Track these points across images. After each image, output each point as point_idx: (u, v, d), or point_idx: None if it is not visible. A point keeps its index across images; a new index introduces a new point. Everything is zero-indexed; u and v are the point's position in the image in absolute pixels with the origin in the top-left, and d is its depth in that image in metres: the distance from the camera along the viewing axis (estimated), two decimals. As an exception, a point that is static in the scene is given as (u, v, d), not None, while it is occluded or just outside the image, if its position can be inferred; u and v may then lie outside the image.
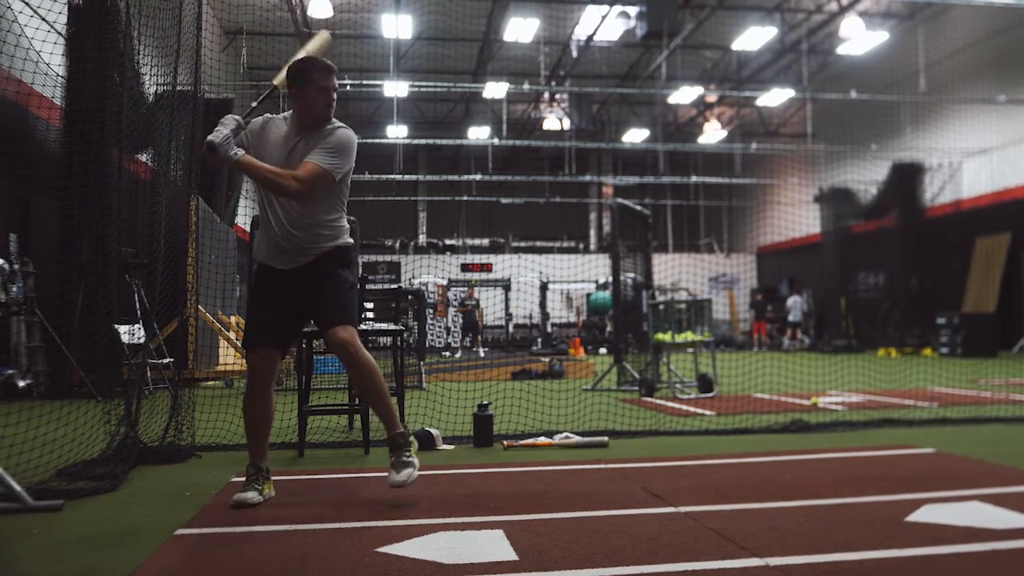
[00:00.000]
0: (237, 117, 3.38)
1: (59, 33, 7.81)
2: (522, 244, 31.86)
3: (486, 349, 22.15)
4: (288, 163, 3.43)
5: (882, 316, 19.73)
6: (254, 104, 3.53)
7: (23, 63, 6.37)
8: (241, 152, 3.30)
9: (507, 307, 24.09)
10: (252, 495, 3.35)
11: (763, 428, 5.63)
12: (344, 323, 3.45)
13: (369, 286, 3.58)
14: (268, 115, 3.60)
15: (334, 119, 3.53)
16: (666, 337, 8.67)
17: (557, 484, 3.79)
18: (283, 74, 3.55)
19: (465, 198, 29.22)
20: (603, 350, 21.46)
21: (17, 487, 3.25)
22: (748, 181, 29.73)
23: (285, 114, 3.59)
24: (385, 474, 3.41)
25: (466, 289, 22.82)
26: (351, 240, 3.66)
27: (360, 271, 3.64)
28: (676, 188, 31.29)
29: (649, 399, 8.10)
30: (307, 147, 3.44)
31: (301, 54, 3.66)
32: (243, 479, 3.51)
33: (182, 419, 4.84)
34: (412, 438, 3.53)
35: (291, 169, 3.39)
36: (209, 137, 3.23)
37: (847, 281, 21.68)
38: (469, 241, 31.86)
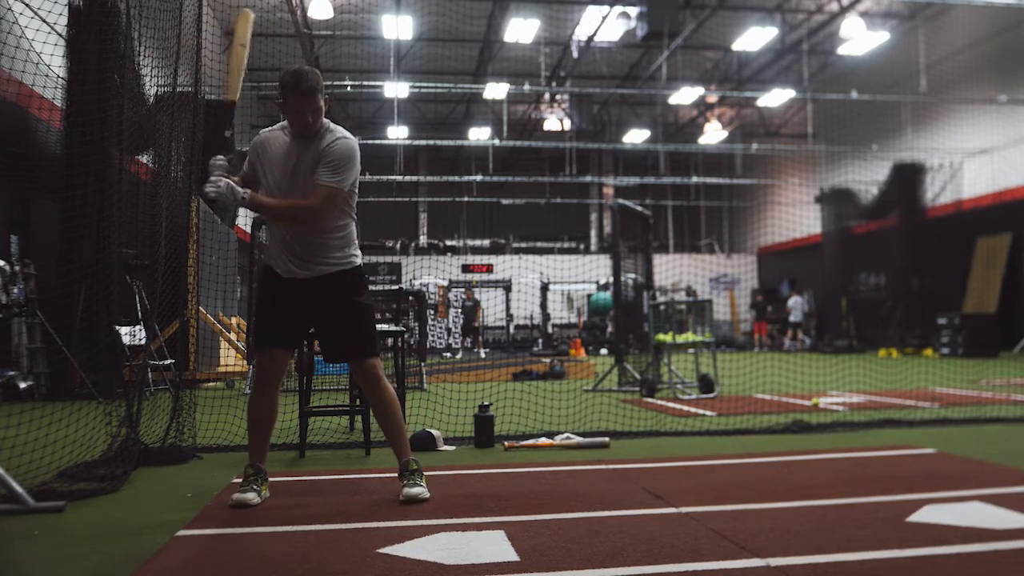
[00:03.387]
0: (221, 158, 3.34)
1: (59, 35, 7.82)
2: (523, 245, 31.86)
3: (487, 350, 22.14)
4: (293, 176, 3.44)
5: (883, 316, 19.73)
6: (227, 134, 3.51)
7: (24, 65, 6.38)
8: (247, 192, 3.30)
9: (508, 308, 24.08)
10: (251, 495, 3.35)
11: (764, 429, 5.63)
12: (373, 355, 3.56)
13: (370, 287, 3.64)
14: (268, 129, 3.59)
15: (333, 125, 3.51)
16: (667, 338, 8.67)
17: (558, 485, 3.79)
18: (235, 84, 3.54)
19: (466, 199, 29.23)
20: (604, 351, 21.45)
21: (18, 488, 3.25)
22: (749, 182, 29.72)
23: (284, 123, 3.55)
24: (386, 475, 3.42)
25: (465, 290, 22.81)
26: (359, 257, 3.64)
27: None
28: (677, 189, 31.29)
29: (650, 400, 8.10)
30: (308, 157, 3.43)
31: (236, 48, 3.64)
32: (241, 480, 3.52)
33: (183, 420, 4.84)
34: (419, 466, 3.57)
35: (297, 181, 3.43)
36: (206, 189, 3.21)
37: (848, 281, 21.67)
38: (470, 242, 31.86)
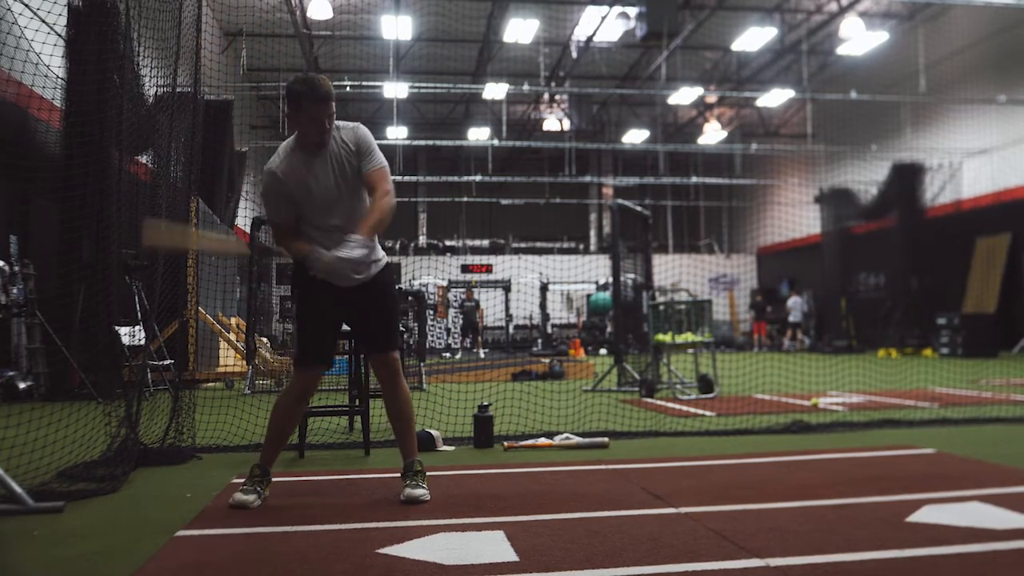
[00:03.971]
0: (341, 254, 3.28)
1: (59, 35, 7.82)
2: (522, 245, 31.87)
3: (486, 350, 22.15)
4: (337, 187, 3.41)
5: (882, 316, 19.73)
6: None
7: (23, 65, 6.38)
8: (357, 238, 3.27)
9: (507, 308, 24.09)
10: (252, 497, 3.34)
11: (763, 429, 5.63)
12: (395, 348, 3.59)
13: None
14: (278, 162, 3.45)
15: (336, 121, 3.46)
16: (666, 338, 8.67)
17: (557, 485, 3.79)
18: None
19: (465, 199, 29.23)
20: (603, 351, 21.45)
21: (18, 489, 3.25)
22: (748, 182, 29.74)
23: (287, 145, 3.49)
24: (386, 475, 3.42)
25: (465, 291, 22.81)
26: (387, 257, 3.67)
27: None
28: (676, 189, 31.30)
29: (649, 400, 8.10)
30: (336, 160, 3.41)
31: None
32: (242, 480, 3.51)
33: (183, 421, 4.84)
34: (423, 467, 3.58)
35: (341, 189, 3.42)
36: (357, 276, 3.32)
37: (847, 282, 21.67)
38: (469, 242, 31.86)
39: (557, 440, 5.08)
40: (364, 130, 3.50)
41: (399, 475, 3.54)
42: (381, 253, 3.59)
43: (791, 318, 23.08)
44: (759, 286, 29.49)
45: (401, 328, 5.48)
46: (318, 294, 3.48)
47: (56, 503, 3.29)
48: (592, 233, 32.42)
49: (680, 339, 8.67)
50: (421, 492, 3.39)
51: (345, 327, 3.73)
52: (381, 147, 3.58)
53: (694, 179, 29.41)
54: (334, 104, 3.39)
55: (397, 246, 30.07)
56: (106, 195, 6.77)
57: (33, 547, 2.78)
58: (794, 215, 25.11)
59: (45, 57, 6.47)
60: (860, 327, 20.79)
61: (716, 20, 19.96)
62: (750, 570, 2.41)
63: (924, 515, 3.03)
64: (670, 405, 7.51)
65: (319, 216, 3.45)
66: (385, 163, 3.47)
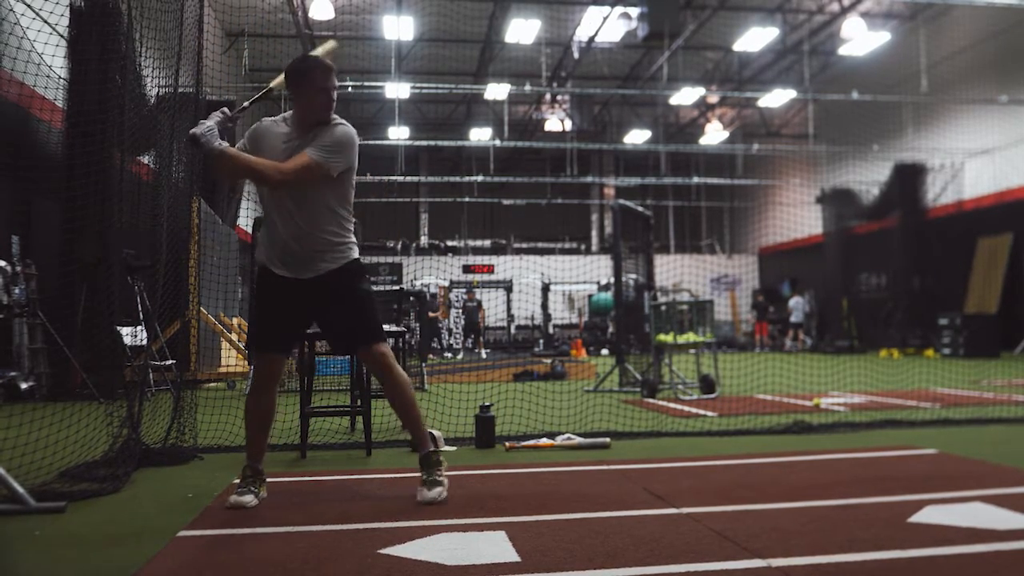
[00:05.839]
0: (225, 110, 3.35)
1: (61, 35, 7.82)
2: (524, 245, 31.85)
3: (488, 351, 22.14)
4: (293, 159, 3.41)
5: (884, 317, 19.72)
6: (246, 104, 3.50)
7: (25, 65, 6.39)
8: (224, 144, 3.26)
9: (509, 308, 24.07)
10: (249, 498, 3.34)
11: (765, 429, 5.63)
12: (382, 340, 3.53)
13: (368, 278, 3.67)
14: (269, 118, 3.56)
15: (335, 117, 3.50)
16: (668, 338, 8.66)
17: (559, 485, 3.78)
18: (282, 76, 3.53)
19: (467, 199, 29.22)
20: (605, 351, 21.45)
21: (19, 489, 3.25)
22: (750, 182, 29.70)
23: (285, 115, 3.55)
24: (388, 475, 3.41)
25: (466, 291, 22.81)
26: (356, 250, 3.60)
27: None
28: (678, 189, 31.28)
29: (651, 400, 8.10)
30: (309, 142, 3.42)
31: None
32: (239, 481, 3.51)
33: (184, 421, 4.84)
34: (443, 458, 3.54)
35: None
36: (192, 130, 3.22)
37: (849, 282, 21.66)
38: (471, 242, 31.85)
39: (559, 440, 5.07)
40: (341, 130, 3.44)
41: (402, 475, 3.54)
42: (349, 251, 3.52)
43: (793, 318, 23.05)
44: (761, 286, 29.48)
45: (402, 328, 5.47)
46: (271, 282, 3.48)
47: (58, 503, 3.29)
48: (594, 233, 32.40)
49: (682, 339, 8.66)
50: (435, 493, 3.36)
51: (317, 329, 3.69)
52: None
53: (695, 179, 29.37)
54: (335, 79, 3.45)
55: (399, 246, 30.08)
56: (108, 195, 6.78)
57: (35, 547, 2.78)
58: (796, 215, 25.08)
59: (47, 57, 6.48)
60: (862, 327, 20.78)
61: (718, 20, 19.94)
62: (752, 570, 2.40)
63: (926, 515, 3.02)
64: (672, 405, 7.51)
65: (277, 198, 3.42)
66: (318, 159, 3.34)
